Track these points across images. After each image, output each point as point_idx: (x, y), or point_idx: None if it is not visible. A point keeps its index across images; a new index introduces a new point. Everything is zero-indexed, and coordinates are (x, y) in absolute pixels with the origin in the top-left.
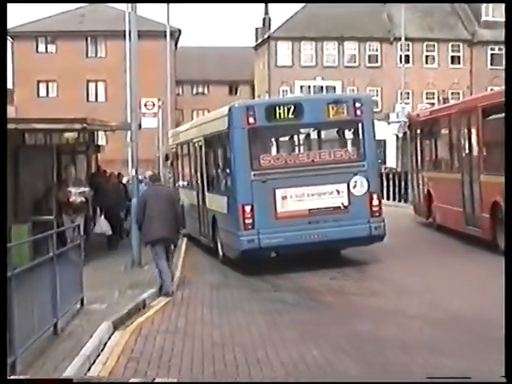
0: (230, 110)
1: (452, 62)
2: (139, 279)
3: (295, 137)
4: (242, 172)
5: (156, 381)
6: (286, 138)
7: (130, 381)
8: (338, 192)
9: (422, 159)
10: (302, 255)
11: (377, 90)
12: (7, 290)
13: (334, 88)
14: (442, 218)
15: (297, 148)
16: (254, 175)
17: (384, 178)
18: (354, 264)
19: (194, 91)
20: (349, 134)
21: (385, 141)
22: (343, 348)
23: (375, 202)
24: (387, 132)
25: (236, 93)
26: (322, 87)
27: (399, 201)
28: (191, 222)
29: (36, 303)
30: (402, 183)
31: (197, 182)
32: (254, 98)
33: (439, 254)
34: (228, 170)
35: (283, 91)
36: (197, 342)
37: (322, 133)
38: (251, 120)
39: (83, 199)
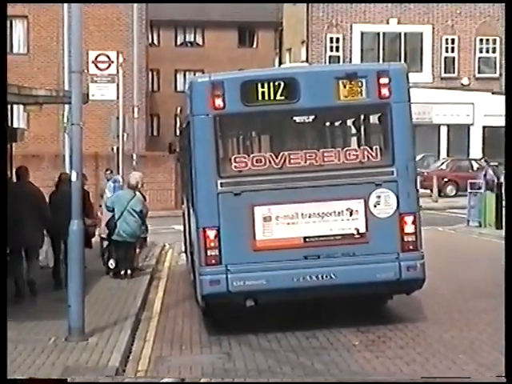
0: (189, 87)
1: None
2: (80, 360)
3: (286, 128)
4: (203, 180)
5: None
6: (273, 131)
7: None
8: (351, 212)
9: None
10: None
11: (493, 41)
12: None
13: (421, 36)
14: None
15: (288, 145)
16: (223, 184)
17: None
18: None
19: (180, 40)
20: (369, 125)
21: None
22: None
23: (409, 227)
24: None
25: (252, 43)
26: (399, 35)
27: None
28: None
29: None
30: None
31: (183, 190)
32: (280, 50)
33: None
34: (190, 177)
35: (331, 40)
36: None
37: (328, 123)
38: (219, 103)
39: None
